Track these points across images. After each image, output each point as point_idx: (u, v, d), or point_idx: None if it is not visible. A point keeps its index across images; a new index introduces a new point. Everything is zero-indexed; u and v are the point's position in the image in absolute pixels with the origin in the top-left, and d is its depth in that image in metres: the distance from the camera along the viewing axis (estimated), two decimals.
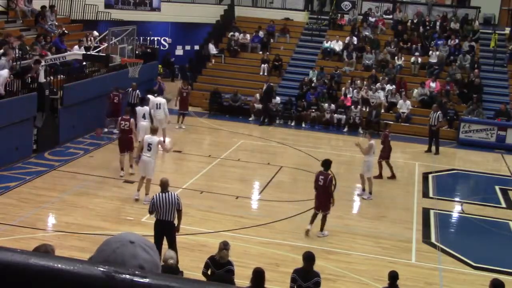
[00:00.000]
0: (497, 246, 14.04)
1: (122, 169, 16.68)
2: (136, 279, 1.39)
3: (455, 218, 16.09)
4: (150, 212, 11.27)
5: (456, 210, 16.40)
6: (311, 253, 9.26)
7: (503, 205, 16.88)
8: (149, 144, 14.65)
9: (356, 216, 15.67)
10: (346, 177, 18.20)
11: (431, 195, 17.13)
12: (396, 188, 17.51)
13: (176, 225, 11.26)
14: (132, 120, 16.70)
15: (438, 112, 21.40)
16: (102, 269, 1.39)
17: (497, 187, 18.17)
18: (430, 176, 18.88)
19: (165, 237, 11.12)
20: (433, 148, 21.45)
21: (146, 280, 1.38)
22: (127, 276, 1.39)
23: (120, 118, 17.21)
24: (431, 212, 15.69)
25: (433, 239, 13.92)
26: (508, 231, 14.97)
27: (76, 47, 21.99)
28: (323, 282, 9.29)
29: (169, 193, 11.19)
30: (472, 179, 20.03)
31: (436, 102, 23.51)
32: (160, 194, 11.18)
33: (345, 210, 15.70)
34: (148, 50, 26.50)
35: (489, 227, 15.16)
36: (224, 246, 9.35)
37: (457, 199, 17.51)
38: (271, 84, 25.46)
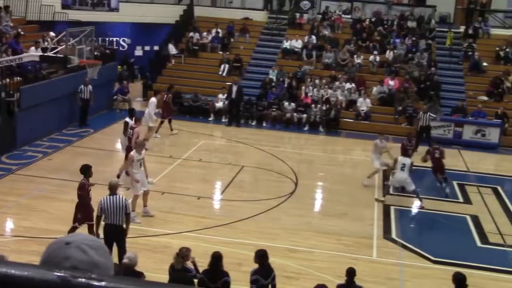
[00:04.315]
0: (455, 240, 14.32)
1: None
2: (92, 282, 1.38)
3: (415, 214, 16.36)
4: (99, 216, 10.98)
5: (415, 205, 16.65)
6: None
7: (461, 199, 17.24)
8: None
9: (318, 214, 15.80)
10: (307, 175, 18.35)
11: (391, 191, 17.34)
12: (357, 186, 17.69)
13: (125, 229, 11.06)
14: (136, 129, 16.57)
15: (428, 113, 21.74)
16: (57, 273, 1.38)
17: (454, 182, 18.52)
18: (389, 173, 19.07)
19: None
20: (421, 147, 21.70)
21: (102, 284, 1.38)
22: (83, 280, 1.39)
23: (129, 126, 16.88)
24: (392, 208, 15.93)
25: (393, 235, 14.14)
26: (465, 225, 15.29)
27: (33, 48, 21.60)
28: (285, 280, 9.35)
29: (117, 196, 10.98)
30: (430, 175, 20.33)
31: (425, 104, 23.70)
32: (108, 197, 10.94)
33: (307, 208, 15.82)
34: (107, 51, 26.22)
35: (448, 221, 15.47)
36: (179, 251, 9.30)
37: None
38: (241, 84, 25.40)
